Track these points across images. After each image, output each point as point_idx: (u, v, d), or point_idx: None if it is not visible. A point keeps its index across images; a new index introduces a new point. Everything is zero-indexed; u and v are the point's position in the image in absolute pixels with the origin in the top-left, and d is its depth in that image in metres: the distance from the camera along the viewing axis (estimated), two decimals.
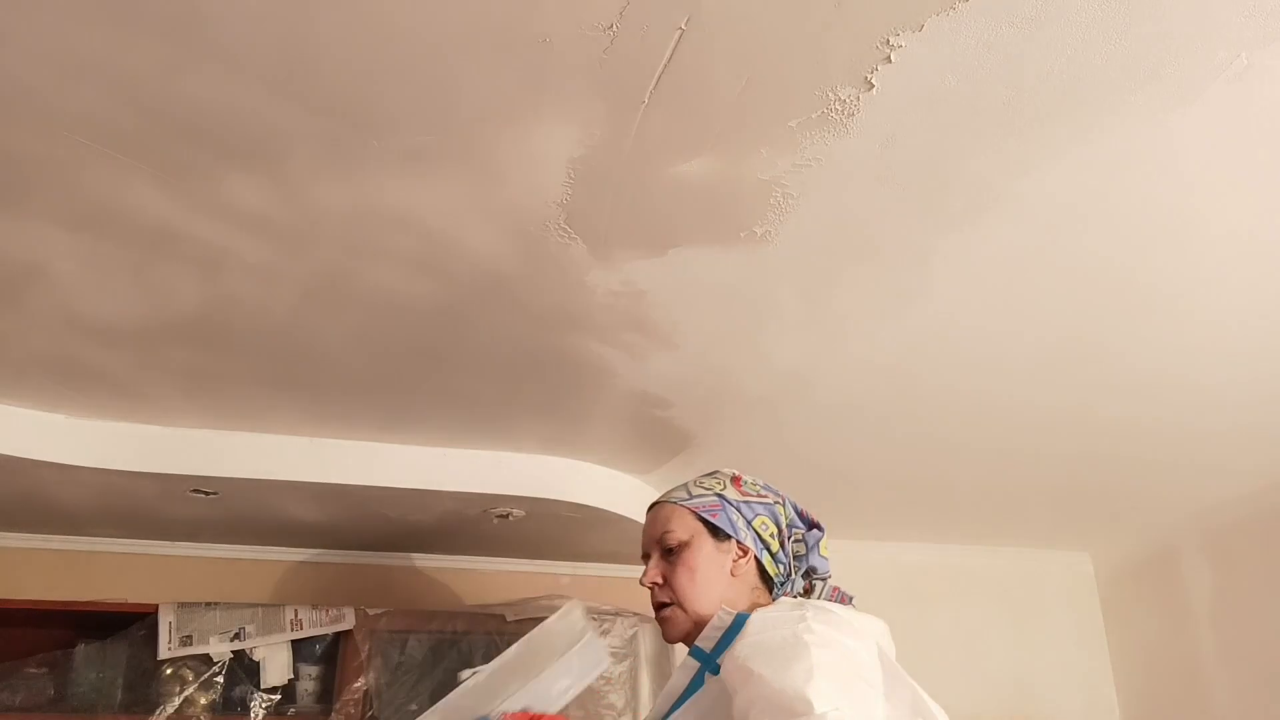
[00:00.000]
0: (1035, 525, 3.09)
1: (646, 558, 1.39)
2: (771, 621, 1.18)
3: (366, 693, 2.45)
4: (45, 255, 1.47)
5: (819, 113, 1.18)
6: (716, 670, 1.21)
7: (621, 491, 2.50)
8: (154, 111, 1.16)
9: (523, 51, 1.08)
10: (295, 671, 2.50)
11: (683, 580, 1.32)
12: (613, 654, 2.62)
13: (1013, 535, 3.20)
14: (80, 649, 2.44)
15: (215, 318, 1.67)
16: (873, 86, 1.14)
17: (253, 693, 2.42)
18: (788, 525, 1.38)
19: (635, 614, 2.69)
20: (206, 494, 2.30)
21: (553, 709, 1.39)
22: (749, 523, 1.35)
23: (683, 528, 1.35)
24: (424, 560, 2.92)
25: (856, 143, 1.24)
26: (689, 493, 1.39)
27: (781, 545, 1.36)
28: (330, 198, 1.34)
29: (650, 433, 2.24)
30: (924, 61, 1.10)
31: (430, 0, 1.01)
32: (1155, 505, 2.88)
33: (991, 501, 2.83)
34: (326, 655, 2.56)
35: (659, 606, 1.36)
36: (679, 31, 1.05)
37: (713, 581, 1.32)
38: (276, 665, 2.46)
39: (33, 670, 2.41)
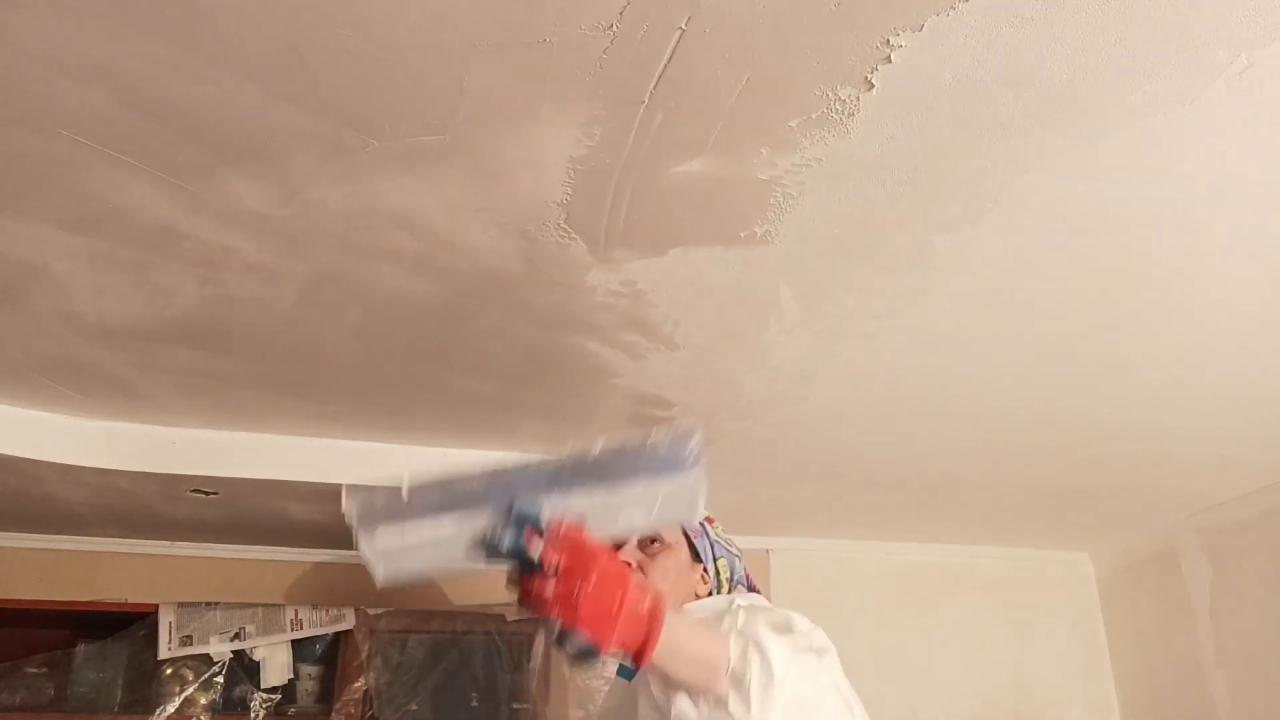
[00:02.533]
0: (1035, 525, 3.09)
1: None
2: (697, 608, 1.26)
3: (366, 693, 2.45)
4: (45, 255, 1.47)
5: (819, 113, 1.18)
6: (631, 676, 1.28)
7: None
8: (154, 111, 1.16)
9: (523, 51, 1.08)
10: (295, 671, 2.50)
11: (657, 579, 1.36)
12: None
13: (1013, 535, 3.20)
14: (80, 649, 2.45)
15: (215, 318, 1.67)
16: (873, 86, 1.14)
17: (253, 693, 2.42)
18: (737, 579, 1.47)
19: None
20: (206, 494, 2.30)
21: (610, 531, 1.12)
22: (715, 559, 1.44)
23: (669, 531, 1.42)
24: None
25: (856, 143, 1.24)
26: None
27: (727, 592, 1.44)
28: (330, 198, 1.34)
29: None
30: (924, 61, 1.10)
31: (430, 0, 1.01)
32: (1155, 505, 2.88)
33: (991, 501, 2.83)
34: (326, 655, 2.56)
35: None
36: (679, 31, 1.05)
37: (681, 593, 1.38)
38: (276, 665, 2.46)
39: (33, 670, 2.42)
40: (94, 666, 2.44)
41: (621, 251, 1.49)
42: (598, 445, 1.11)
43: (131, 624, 2.47)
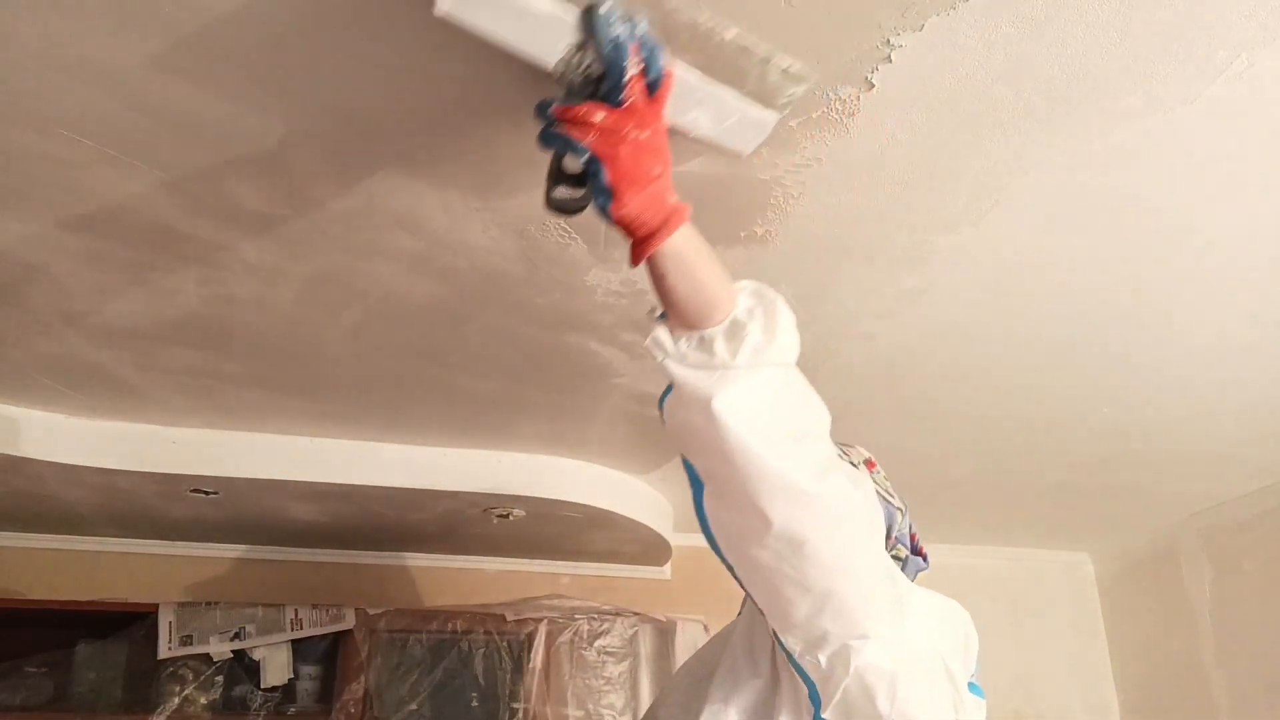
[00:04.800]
0: (1035, 525, 3.09)
1: None
2: None
3: (366, 693, 2.45)
4: (45, 255, 1.47)
5: (819, 112, 1.18)
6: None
7: (621, 491, 2.50)
8: (154, 111, 1.16)
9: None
10: (295, 671, 2.50)
11: None
12: (611, 654, 2.62)
13: (1013, 535, 3.20)
14: (80, 649, 2.45)
15: (215, 318, 1.67)
16: (873, 86, 1.14)
17: (253, 692, 2.42)
18: (897, 536, 1.31)
19: (635, 614, 2.69)
20: (206, 494, 2.30)
21: (675, 116, 1.03)
22: None
23: None
24: (424, 560, 2.92)
25: (856, 143, 1.24)
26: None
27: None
28: (330, 198, 1.34)
29: (650, 433, 2.24)
30: (924, 61, 1.10)
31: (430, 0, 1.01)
32: (1155, 505, 2.88)
33: (991, 501, 2.83)
34: (326, 655, 2.56)
35: None
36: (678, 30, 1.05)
37: None
38: (276, 665, 2.46)
39: (33, 670, 2.42)
40: (94, 666, 2.44)
41: (621, 251, 1.49)
42: (730, 31, 1.01)
43: (131, 624, 2.47)
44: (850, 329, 1.76)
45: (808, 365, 1.94)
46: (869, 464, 1.34)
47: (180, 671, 2.39)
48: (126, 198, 1.33)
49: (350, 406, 2.07)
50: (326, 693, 2.51)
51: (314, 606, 2.53)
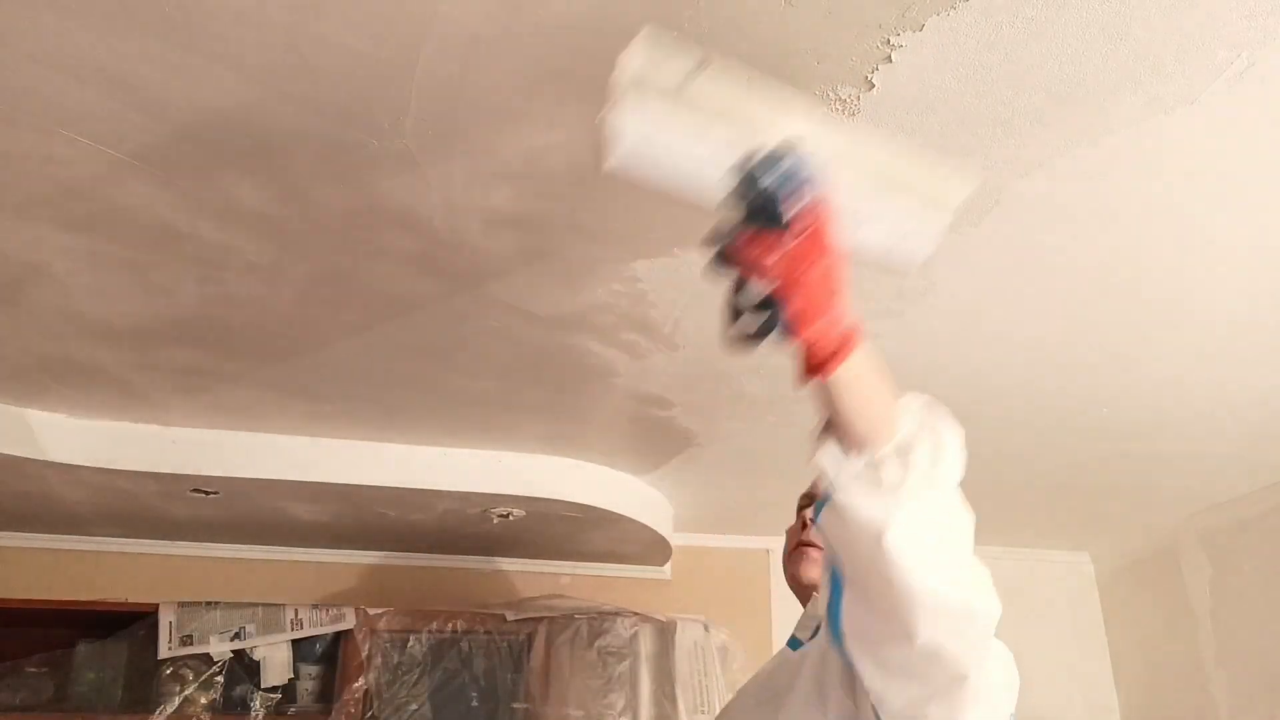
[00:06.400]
0: (1035, 525, 3.09)
1: (804, 510, 1.45)
2: None
3: (366, 692, 2.45)
4: (45, 255, 1.47)
5: (819, 113, 1.18)
6: (796, 646, 1.28)
7: (621, 491, 2.50)
8: (154, 111, 1.16)
9: (523, 50, 1.08)
10: (295, 671, 2.50)
11: None
12: (612, 654, 2.62)
13: (1013, 535, 3.20)
14: (80, 649, 2.45)
15: (215, 318, 1.67)
16: (873, 86, 1.14)
17: (253, 692, 2.42)
18: None
19: (635, 614, 2.69)
20: (206, 494, 2.30)
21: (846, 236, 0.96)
22: None
23: None
24: (424, 560, 2.92)
25: None
26: None
27: None
28: (330, 198, 1.34)
29: (650, 433, 2.24)
30: (924, 61, 1.10)
31: (430, 0, 1.01)
32: (1155, 505, 2.88)
33: (991, 501, 2.82)
34: (326, 655, 2.56)
35: (806, 544, 1.42)
36: (678, 31, 1.05)
37: None
38: (276, 665, 2.46)
39: (33, 670, 2.42)
40: (94, 666, 2.44)
41: (621, 251, 1.49)
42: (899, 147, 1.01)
43: (131, 623, 2.47)
44: None
45: None
46: None
47: (180, 671, 2.39)
48: (126, 198, 1.33)
49: (350, 406, 2.07)
50: (326, 693, 2.51)
51: (314, 606, 2.53)
